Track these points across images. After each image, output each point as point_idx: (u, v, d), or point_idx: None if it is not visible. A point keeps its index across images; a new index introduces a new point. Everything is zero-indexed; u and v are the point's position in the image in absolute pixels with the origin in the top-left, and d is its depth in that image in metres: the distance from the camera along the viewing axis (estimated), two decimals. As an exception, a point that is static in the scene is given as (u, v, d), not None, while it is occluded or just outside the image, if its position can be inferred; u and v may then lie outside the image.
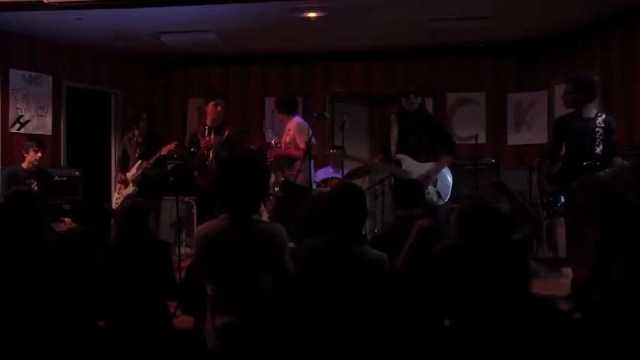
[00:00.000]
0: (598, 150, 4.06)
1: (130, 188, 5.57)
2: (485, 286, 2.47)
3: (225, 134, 5.27)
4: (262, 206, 4.72)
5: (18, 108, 6.46)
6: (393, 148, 4.60)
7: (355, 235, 2.58)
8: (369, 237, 5.04)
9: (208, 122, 5.33)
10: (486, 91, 7.43)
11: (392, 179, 4.68)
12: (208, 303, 2.50)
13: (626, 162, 4.07)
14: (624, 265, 2.16)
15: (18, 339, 2.96)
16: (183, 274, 3.31)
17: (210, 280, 2.49)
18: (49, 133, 6.71)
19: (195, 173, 5.31)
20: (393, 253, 2.74)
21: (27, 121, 6.52)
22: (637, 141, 5.52)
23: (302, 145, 5.02)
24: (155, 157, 5.37)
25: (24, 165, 5.58)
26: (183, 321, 3.22)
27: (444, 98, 7.41)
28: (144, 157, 5.51)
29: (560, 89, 4.60)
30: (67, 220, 5.52)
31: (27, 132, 6.42)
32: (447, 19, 6.07)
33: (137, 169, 5.54)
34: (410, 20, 6.12)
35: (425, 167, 4.49)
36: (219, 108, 5.29)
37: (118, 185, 5.74)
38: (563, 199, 4.15)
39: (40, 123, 6.66)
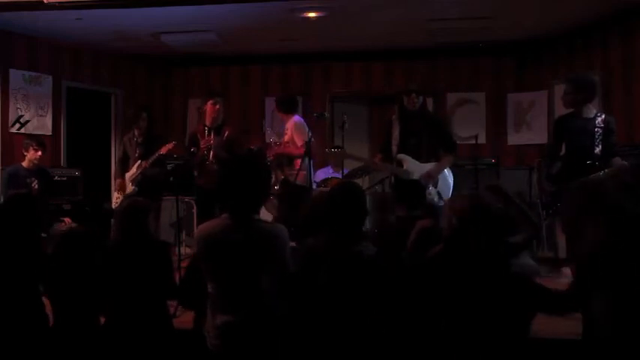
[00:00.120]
0: (597, 150, 4.06)
1: (130, 188, 5.57)
2: (483, 287, 2.46)
3: (225, 135, 5.26)
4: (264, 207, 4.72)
5: (18, 108, 6.46)
6: (394, 148, 4.58)
7: (355, 233, 2.57)
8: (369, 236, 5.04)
9: (208, 122, 5.33)
10: (486, 91, 7.44)
11: (393, 179, 4.67)
12: (209, 301, 2.50)
13: (626, 162, 4.07)
14: (617, 267, 2.17)
15: (17, 339, 2.96)
16: (183, 273, 3.30)
17: (211, 279, 2.49)
18: (49, 133, 6.72)
19: (195, 173, 5.31)
20: (393, 253, 2.73)
21: (27, 121, 6.53)
22: (637, 141, 5.52)
23: (300, 143, 5.02)
24: (154, 157, 5.37)
25: (24, 164, 5.59)
26: (183, 321, 3.22)
27: (444, 98, 7.41)
28: (144, 157, 5.51)
29: (560, 89, 4.61)
30: (67, 220, 5.52)
31: (27, 132, 6.42)
32: (447, 19, 6.07)
33: (137, 168, 5.55)
34: (410, 20, 6.12)
35: (426, 167, 4.48)
36: (217, 107, 5.28)
37: (117, 190, 5.75)
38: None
39: (40, 123, 6.67)
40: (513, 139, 7.35)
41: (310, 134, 4.90)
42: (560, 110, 4.78)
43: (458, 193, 4.60)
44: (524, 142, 7.22)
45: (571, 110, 4.31)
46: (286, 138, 5.24)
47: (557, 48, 6.93)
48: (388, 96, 7.42)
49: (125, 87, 7.59)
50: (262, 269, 2.44)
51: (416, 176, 4.41)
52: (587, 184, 2.60)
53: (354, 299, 2.46)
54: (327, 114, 6.92)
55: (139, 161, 5.53)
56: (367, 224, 5.66)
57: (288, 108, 5.36)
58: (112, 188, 6.59)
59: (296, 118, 5.28)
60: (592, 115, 4.19)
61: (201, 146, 5.23)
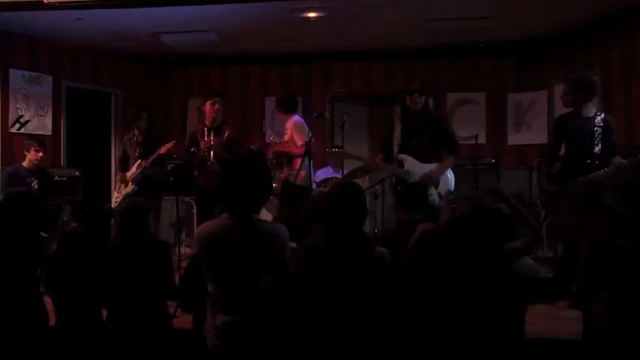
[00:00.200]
0: (596, 149, 4.05)
1: (130, 187, 5.57)
2: (483, 287, 2.46)
3: (225, 135, 5.26)
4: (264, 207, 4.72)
5: (18, 108, 6.46)
6: (395, 148, 4.53)
7: (355, 233, 2.57)
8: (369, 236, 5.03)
9: (207, 122, 5.33)
10: (486, 91, 7.44)
11: (393, 179, 4.64)
12: (209, 301, 2.50)
13: (625, 161, 4.04)
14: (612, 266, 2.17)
15: (16, 339, 2.96)
16: (182, 274, 3.30)
17: (211, 279, 2.49)
18: (49, 133, 6.72)
19: (195, 173, 5.31)
20: (394, 256, 2.73)
21: (27, 121, 6.53)
22: (637, 141, 5.52)
23: (300, 143, 5.02)
24: (154, 156, 5.37)
25: (24, 164, 5.58)
26: (183, 321, 3.22)
27: (444, 98, 7.41)
28: (144, 156, 5.51)
29: (560, 89, 4.59)
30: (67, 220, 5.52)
31: (27, 132, 6.42)
32: (447, 19, 6.07)
33: (137, 168, 5.55)
34: (410, 20, 6.12)
35: (427, 168, 4.42)
36: (216, 107, 5.28)
37: (118, 184, 5.75)
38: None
39: (40, 123, 6.67)
40: (513, 139, 7.35)
41: (310, 134, 4.90)
42: (560, 110, 4.78)
43: (458, 193, 4.59)
44: (524, 142, 7.22)
45: (571, 110, 4.30)
46: (286, 137, 5.24)
47: (557, 48, 6.92)
48: (388, 96, 7.43)
49: (125, 87, 7.59)
50: (262, 269, 2.44)
51: (417, 177, 4.37)
52: (586, 185, 2.60)
53: (354, 299, 2.46)
54: (327, 114, 6.92)
55: (139, 161, 5.53)
56: (367, 224, 5.68)
57: (288, 108, 5.36)
58: (112, 188, 6.59)
59: (296, 118, 5.28)
60: (591, 115, 4.18)
61: (202, 147, 5.23)
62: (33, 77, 6.62)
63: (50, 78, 6.79)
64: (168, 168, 5.32)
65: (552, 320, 3.09)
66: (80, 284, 3.01)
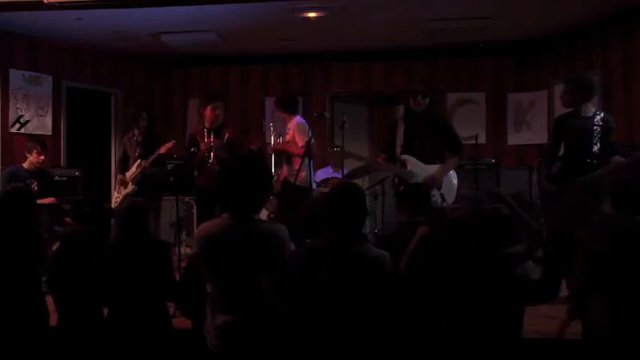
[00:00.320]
0: (595, 148, 4.05)
1: (130, 187, 5.57)
2: (483, 288, 2.47)
3: (226, 137, 5.26)
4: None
5: (18, 108, 6.46)
6: (398, 149, 4.52)
7: (355, 234, 2.57)
8: (369, 237, 5.03)
9: (207, 124, 5.33)
10: (486, 91, 7.44)
11: (396, 180, 4.62)
12: (208, 301, 2.50)
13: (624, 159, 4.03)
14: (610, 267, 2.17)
15: (16, 338, 2.96)
16: (180, 275, 3.30)
17: (211, 279, 2.49)
18: (49, 133, 6.72)
19: (195, 173, 5.31)
20: (395, 259, 2.73)
21: (27, 121, 6.53)
22: (637, 141, 5.52)
23: (301, 144, 5.02)
24: (154, 156, 5.37)
25: (25, 165, 5.57)
26: (183, 321, 3.22)
27: (444, 98, 7.40)
28: (144, 156, 5.51)
29: (560, 89, 4.59)
30: (67, 220, 5.51)
31: (27, 132, 6.43)
32: (447, 19, 6.07)
33: (136, 168, 5.55)
34: (410, 20, 6.12)
35: (430, 169, 4.40)
36: (217, 112, 5.28)
37: (118, 185, 5.75)
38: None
39: (40, 123, 6.67)
40: (513, 139, 7.35)
41: (311, 135, 4.89)
42: (560, 110, 4.78)
43: (458, 193, 4.59)
44: (524, 142, 7.22)
45: (571, 110, 4.30)
46: (287, 137, 5.23)
47: (557, 48, 6.93)
48: (388, 96, 7.44)
49: (125, 87, 7.59)
50: (262, 269, 2.44)
51: (419, 178, 4.35)
52: (585, 185, 2.60)
53: (354, 299, 2.46)
54: (327, 114, 6.92)
55: (139, 161, 5.53)
56: (367, 225, 5.67)
57: (289, 107, 5.35)
58: (112, 188, 6.59)
59: (298, 119, 5.28)
60: (591, 114, 4.18)
61: (202, 148, 5.23)
62: (33, 77, 6.62)
63: (50, 78, 6.79)
64: (168, 168, 5.31)
65: (552, 320, 3.08)
66: (81, 284, 3.01)
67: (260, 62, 7.74)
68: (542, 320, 3.32)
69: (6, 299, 2.98)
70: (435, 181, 4.37)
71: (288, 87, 7.59)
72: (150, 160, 5.41)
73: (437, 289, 2.60)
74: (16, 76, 6.46)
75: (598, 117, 4.14)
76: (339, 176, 5.36)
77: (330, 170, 6.31)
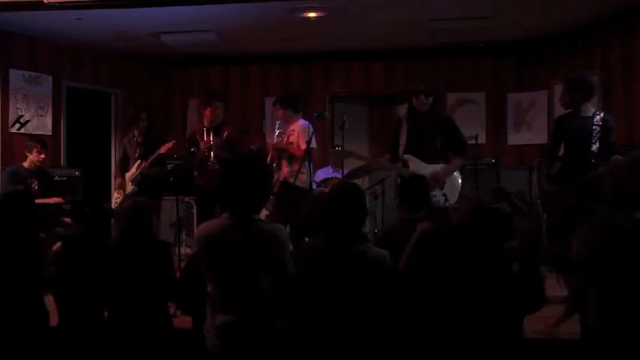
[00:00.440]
0: (594, 148, 4.04)
1: (130, 188, 5.57)
2: (482, 287, 2.46)
3: (225, 135, 5.26)
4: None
5: (18, 108, 6.46)
6: (400, 148, 4.49)
7: (355, 234, 2.57)
8: (369, 237, 5.02)
9: (206, 123, 5.33)
10: (486, 91, 7.44)
11: (398, 180, 4.59)
12: (208, 301, 2.50)
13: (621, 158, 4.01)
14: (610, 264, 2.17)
15: (16, 338, 2.96)
16: (179, 275, 3.30)
17: (211, 279, 2.49)
18: (49, 133, 6.72)
19: (195, 173, 5.31)
20: (395, 255, 2.73)
21: (27, 121, 6.53)
22: (637, 140, 5.52)
23: (304, 147, 5.01)
24: (154, 156, 5.37)
25: (25, 164, 5.57)
26: (183, 321, 3.22)
27: (444, 98, 7.40)
28: (144, 156, 5.51)
29: (559, 89, 4.59)
30: (67, 220, 5.51)
31: (27, 132, 6.42)
32: (447, 19, 6.07)
33: (136, 168, 5.55)
34: (410, 20, 6.12)
35: (432, 169, 4.37)
36: (217, 112, 5.29)
37: (117, 188, 5.75)
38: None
39: (40, 123, 6.67)
40: (513, 139, 7.35)
41: (314, 139, 4.88)
42: (560, 110, 4.78)
43: (459, 193, 4.57)
44: (524, 142, 7.22)
45: (570, 110, 4.30)
46: (292, 139, 5.22)
47: (557, 48, 6.93)
48: (388, 96, 7.45)
49: (125, 87, 7.59)
50: (262, 269, 2.45)
51: None
52: (585, 184, 2.60)
53: (354, 299, 2.46)
54: (327, 114, 6.92)
55: (139, 161, 5.53)
56: (367, 224, 5.67)
57: (291, 105, 5.34)
58: (112, 188, 6.59)
59: (303, 123, 5.26)
60: (590, 114, 4.18)
61: (202, 147, 5.23)
62: (33, 77, 6.62)
63: (50, 78, 6.79)
64: (168, 168, 5.31)
65: (552, 320, 3.08)
66: (81, 284, 3.01)
67: (260, 62, 7.74)
68: (542, 320, 3.32)
69: (6, 300, 2.98)
70: (437, 181, 4.33)
71: (288, 87, 7.59)
72: (150, 160, 5.41)
73: (437, 288, 2.60)
74: (16, 76, 6.46)
75: (598, 117, 4.14)
76: (339, 176, 5.35)
77: (330, 170, 6.31)
